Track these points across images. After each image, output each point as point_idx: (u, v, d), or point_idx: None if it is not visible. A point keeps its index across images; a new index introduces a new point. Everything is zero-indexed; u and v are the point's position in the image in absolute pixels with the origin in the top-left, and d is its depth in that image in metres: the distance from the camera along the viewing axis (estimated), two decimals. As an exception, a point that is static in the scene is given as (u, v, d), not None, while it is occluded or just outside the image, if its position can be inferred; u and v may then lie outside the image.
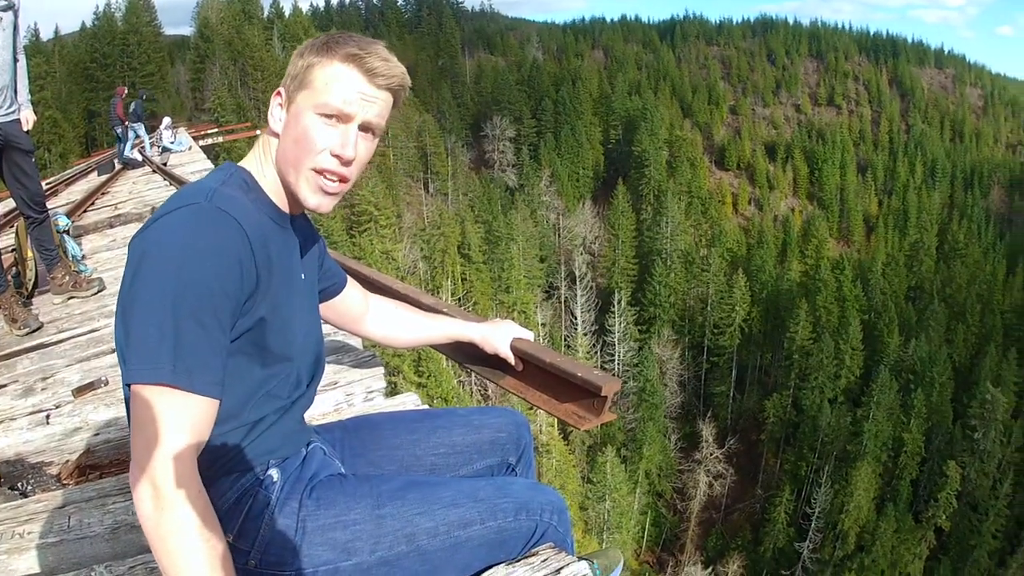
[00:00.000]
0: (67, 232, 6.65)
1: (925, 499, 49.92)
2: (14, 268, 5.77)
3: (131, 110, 19.26)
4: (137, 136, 19.16)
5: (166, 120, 22.26)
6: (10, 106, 4.53)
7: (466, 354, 2.38)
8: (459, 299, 50.01)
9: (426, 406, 2.49)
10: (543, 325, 49.84)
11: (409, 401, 2.53)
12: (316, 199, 1.45)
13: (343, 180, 1.44)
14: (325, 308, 1.97)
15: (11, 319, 4.59)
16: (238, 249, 1.28)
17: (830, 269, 55.30)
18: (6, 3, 4.46)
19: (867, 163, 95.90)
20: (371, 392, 2.67)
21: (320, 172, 1.42)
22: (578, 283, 49.49)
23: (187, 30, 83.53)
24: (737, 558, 46.26)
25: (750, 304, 51.98)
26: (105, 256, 6.95)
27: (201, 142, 33.07)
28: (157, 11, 73.89)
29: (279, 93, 1.46)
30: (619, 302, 48.32)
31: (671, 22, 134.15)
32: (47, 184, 15.15)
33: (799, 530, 47.58)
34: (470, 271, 51.35)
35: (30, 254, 5.64)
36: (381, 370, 2.84)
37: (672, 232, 56.03)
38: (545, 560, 1.63)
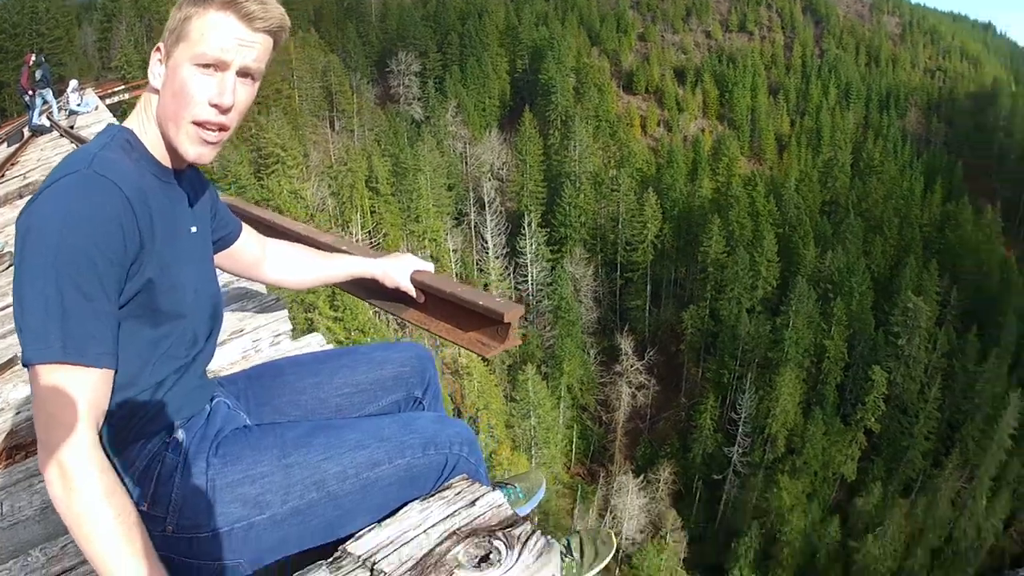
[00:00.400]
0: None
1: (852, 403, 51.02)
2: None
3: (37, 77, 18.60)
4: (45, 102, 18.59)
5: (72, 83, 21.75)
6: None
7: (368, 290, 2.32)
8: (369, 232, 49.19)
9: (331, 346, 2.50)
10: (454, 251, 49.29)
11: (314, 342, 2.56)
12: (196, 150, 1.40)
13: (223, 129, 1.40)
14: (221, 257, 1.92)
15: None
16: (118, 213, 1.25)
17: (742, 186, 55.55)
18: None
19: (779, 86, 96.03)
20: (277, 336, 2.68)
21: (200, 124, 1.37)
22: (487, 208, 48.87)
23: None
24: (667, 465, 46.78)
25: (661, 221, 51.94)
26: (17, 229, 6.77)
27: (108, 100, 32.90)
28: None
29: (158, 49, 1.40)
30: (529, 224, 47.88)
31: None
32: None
33: (727, 436, 48.29)
34: (379, 204, 50.46)
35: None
36: (285, 313, 2.85)
37: (580, 155, 55.62)
38: (459, 493, 1.59)
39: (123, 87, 41.02)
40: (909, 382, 51.48)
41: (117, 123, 1.48)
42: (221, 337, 2.28)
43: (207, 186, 1.68)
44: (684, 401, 50.41)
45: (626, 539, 45.69)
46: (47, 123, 17.89)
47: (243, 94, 1.40)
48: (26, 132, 17.32)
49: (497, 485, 2.20)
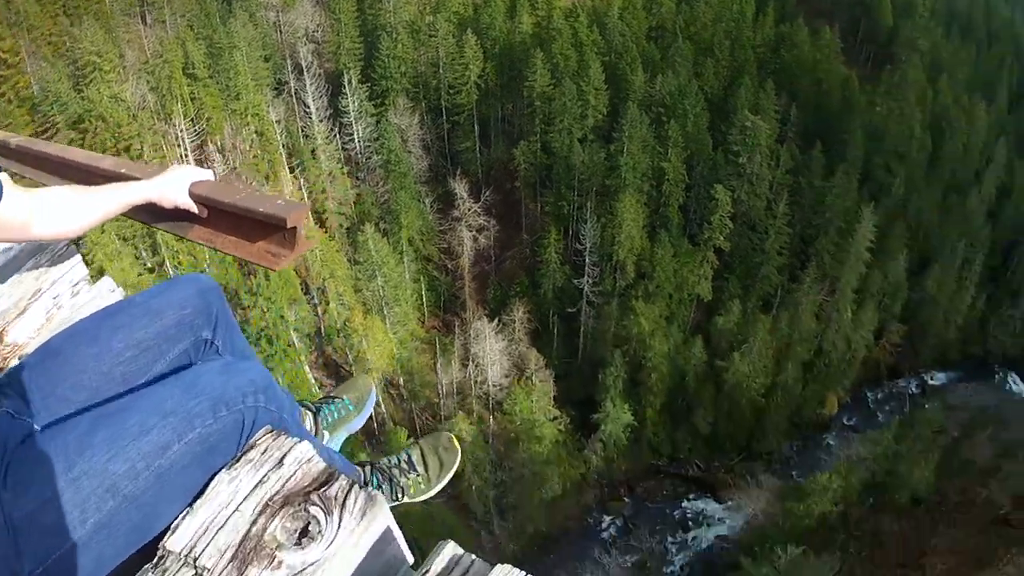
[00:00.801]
0: None
1: (698, 223, 51.09)
2: None
3: None
4: None
5: None
6: None
7: (150, 213, 2.13)
8: (192, 119, 47.05)
9: (120, 289, 2.43)
10: (278, 122, 47.48)
11: (104, 288, 2.44)
12: None
13: None
14: None
15: None
16: None
17: (563, 18, 54.59)
18: None
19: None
20: (75, 285, 2.52)
21: None
22: (306, 73, 47.00)
23: None
24: (520, 305, 46.40)
25: (483, 61, 50.68)
26: None
27: None
28: None
29: None
30: (349, 82, 46.20)
31: None
32: None
33: (575, 267, 48.01)
34: (198, 89, 48.31)
35: None
36: (78, 258, 2.63)
37: (395, 5, 53.76)
38: (265, 451, 1.48)
39: None
40: (754, 199, 51.77)
41: None
42: (23, 303, 2.34)
43: None
44: (526, 238, 49.87)
45: (493, 385, 45.41)
46: None
47: None
48: None
49: (324, 401, 2.10)
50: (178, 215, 2.10)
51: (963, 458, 53.47)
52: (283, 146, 46.64)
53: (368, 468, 2.10)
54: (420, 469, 2.11)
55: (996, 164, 64.64)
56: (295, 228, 1.88)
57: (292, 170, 46.02)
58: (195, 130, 47.26)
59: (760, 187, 51.59)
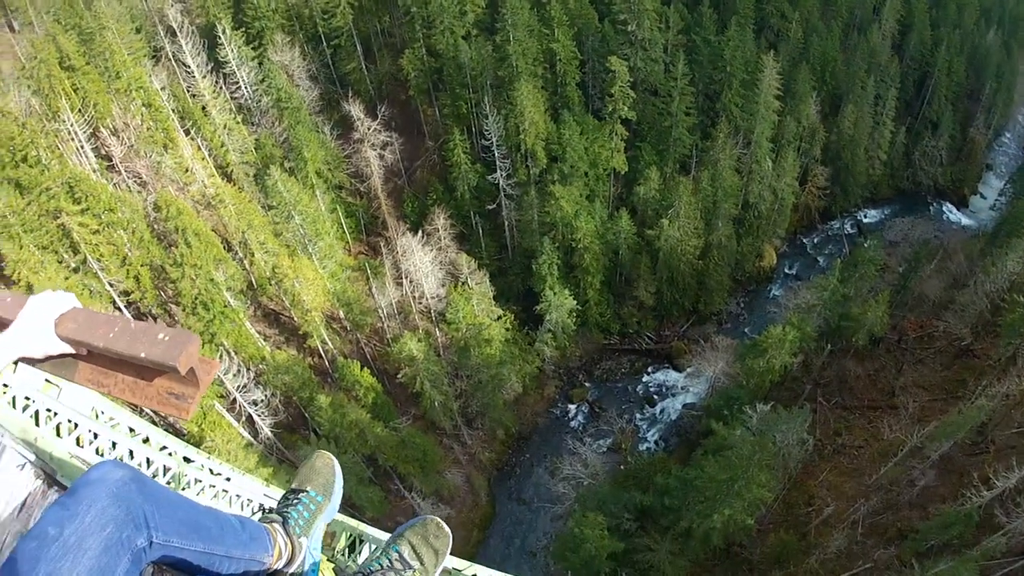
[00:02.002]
0: None
1: (600, 97, 51.19)
2: None
3: None
4: None
5: None
6: None
7: (23, 360, 1.83)
8: (79, 111, 46.32)
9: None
10: (163, 89, 46.86)
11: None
12: None
13: None
14: None
15: None
16: None
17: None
18: None
19: None
20: None
21: None
22: (179, 34, 46.32)
23: None
24: (439, 212, 46.45)
25: (349, -21, 50.49)
26: None
27: None
28: None
29: None
30: (223, 32, 45.64)
31: None
32: None
33: (486, 164, 48.05)
34: (78, 79, 47.60)
35: None
36: None
37: (249, -54, 53.25)
38: None
39: None
40: (651, 64, 51.95)
41: None
42: None
43: None
44: (431, 144, 49.86)
45: (431, 298, 45.48)
46: None
47: None
48: None
49: (288, 503, 1.95)
50: (57, 357, 1.85)
51: (915, 293, 54.16)
52: (173, 111, 46.14)
53: None
54: (416, 564, 2.01)
55: (893, -1, 65.09)
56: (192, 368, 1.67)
57: (187, 132, 45.58)
58: (85, 120, 46.62)
59: (654, 51, 51.73)
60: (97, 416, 5.06)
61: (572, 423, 50.14)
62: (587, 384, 51.19)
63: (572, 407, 50.41)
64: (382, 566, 2.02)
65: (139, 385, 1.80)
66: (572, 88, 48.63)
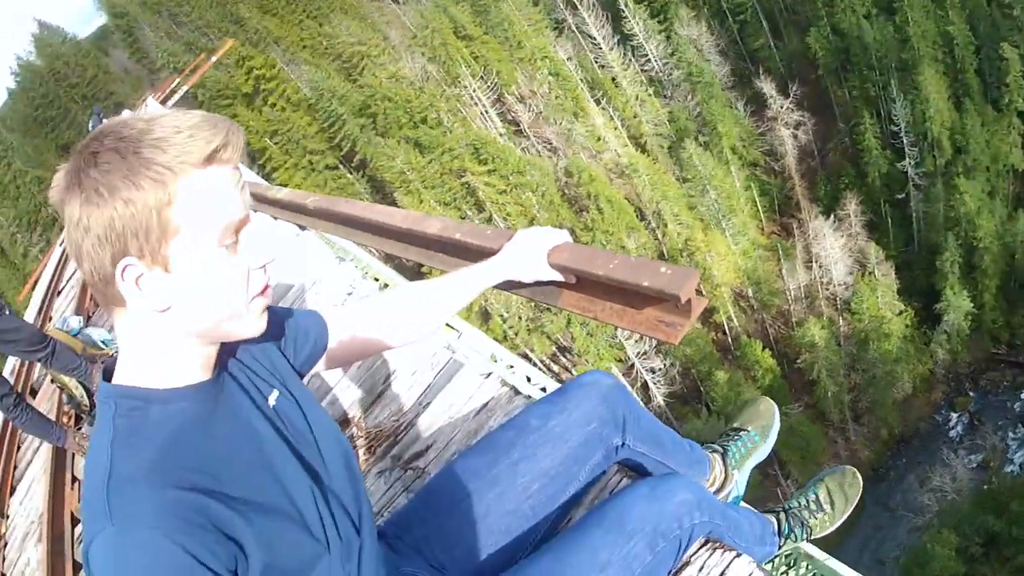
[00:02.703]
0: (83, 328, 6.12)
1: (996, 87, 48.66)
2: (72, 399, 5.50)
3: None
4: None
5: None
6: None
7: (507, 283, 1.94)
8: (481, 77, 47.59)
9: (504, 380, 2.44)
10: (569, 59, 47.75)
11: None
12: (260, 324, 1.13)
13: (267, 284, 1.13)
14: (328, 362, 1.58)
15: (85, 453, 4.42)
16: (191, 546, 0.93)
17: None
18: None
19: None
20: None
21: (256, 296, 1.10)
22: (580, 5, 47.25)
23: (101, 21, 76.22)
24: (851, 197, 45.17)
25: (752, -50, 50.14)
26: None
27: (172, 100, 31.56)
28: (64, 28, 68.63)
29: (126, 268, 0.99)
30: (627, 4, 46.16)
31: None
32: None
33: (895, 151, 46.50)
34: (477, 47, 49.09)
35: (66, 380, 5.33)
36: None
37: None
38: (702, 568, 1.48)
39: (178, 79, 37.58)
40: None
41: (107, 400, 1.04)
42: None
43: (259, 339, 1.18)
44: (842, 127, 48.42)
45: (838, 285, 44.35)
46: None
47: None
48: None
49: (729, 438, 2.10)
50: (542, 284, 1.91)
51: None
52: (581, 80, 46.76)
53: (781, 515, 2.05)
54: (828, 508, 2.09)
55: None
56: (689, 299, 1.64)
57: (597, 102, 46.06)
58: (488, 86, 47.75)
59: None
60: (495, 361, 5.58)
61: (951, 432, 47.52)
62: (971, 393, 48.46)
63: (954, 416, 47.76)
64: (799, 504, 2.10)
65: (627, 312, 1.84)
66: (971, 75, 46.58)
